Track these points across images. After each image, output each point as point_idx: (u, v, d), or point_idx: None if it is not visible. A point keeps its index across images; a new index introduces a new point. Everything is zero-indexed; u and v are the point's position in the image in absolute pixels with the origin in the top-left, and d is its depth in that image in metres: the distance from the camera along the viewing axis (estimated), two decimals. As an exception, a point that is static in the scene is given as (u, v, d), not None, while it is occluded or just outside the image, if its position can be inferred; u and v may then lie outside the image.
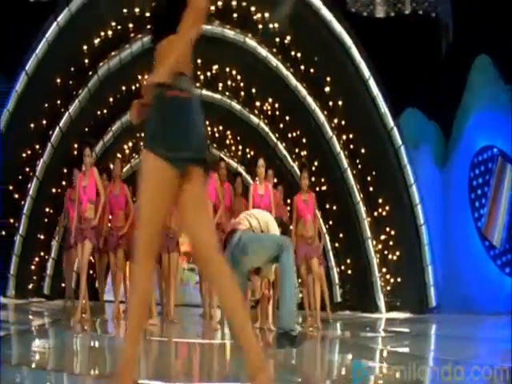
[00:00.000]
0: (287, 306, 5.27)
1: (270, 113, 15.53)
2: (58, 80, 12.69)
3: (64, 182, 13.25)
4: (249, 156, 16.87)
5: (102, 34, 13.22)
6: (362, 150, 13.70)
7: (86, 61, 13.34)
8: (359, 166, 13.85)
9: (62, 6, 12.00)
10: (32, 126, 11.85)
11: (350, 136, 13.95)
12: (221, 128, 16.81)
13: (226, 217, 9.82)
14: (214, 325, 8.51)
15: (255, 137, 15.84)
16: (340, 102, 13.86)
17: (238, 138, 16.85)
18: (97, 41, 13.24)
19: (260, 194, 8.95)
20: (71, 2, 12.02)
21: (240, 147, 17.06)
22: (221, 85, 15.60)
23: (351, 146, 13.94)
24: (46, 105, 12.63)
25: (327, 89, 13.97)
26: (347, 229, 13.69)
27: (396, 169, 12.94)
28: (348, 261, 13.97)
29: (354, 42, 13.00)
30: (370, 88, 13.08)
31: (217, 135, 17.07)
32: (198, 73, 15.47)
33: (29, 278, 12.71)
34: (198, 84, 15.60)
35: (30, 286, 12.80)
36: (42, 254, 13.18)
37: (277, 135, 15.56)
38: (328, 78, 13.88)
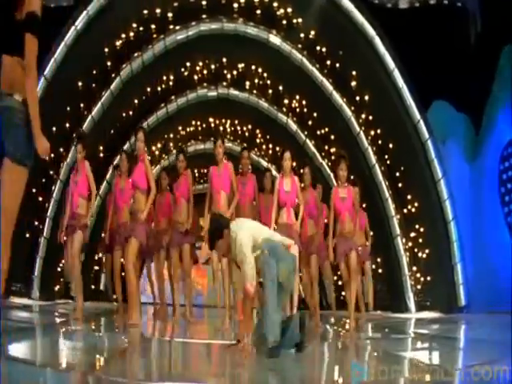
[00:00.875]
0: (271, 318, 5.04)
1: (297, 110, 15.32)
2: (80, 83, 12.75)
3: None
4: (279, 154, 16.68)
5: (123, 35, 13.23)
6: (390, 145, 13.34)
7: (108, 63, 13.38)
8: (388, 162, 13.52)
9: (80, 9, 12.02)
10: (54, 129, 11.89)
11: (378, 131, 13.62)
12: (250, 127, 16.69)
13: (250, 209, 9.04)
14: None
15: (284, 135, 15.65)
16: (367, 97, 13.55)
17: (268, 137, 16.70)
18: (118, 43, 13.26)
19: (286, 190, 8.53)
20: (89, 5, 12.01)
21: (270, 146, 16.90)
22: (248, 83, 15.47)
23: (379, 142, 13.61)
24: (68, 108, 12.70)
25: (353, 83, 13.68)
26: (376, 226, 13.32)
27: (423, 164, 12.52)
28: (378, 259, 13.64)
29: (378, 34, 12.65)
30: (395, 80, 12.71)
31: (246, 134, 16.96)
32: (225, 72, 15.42)
33: (54, 280, 12.80)
34: (224, 83, 15.57)
35: (56, 288, 12.90)
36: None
37: (306, 133, 15.35)
38: (354, 72, 13.59)
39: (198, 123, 16.76)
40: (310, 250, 9.02)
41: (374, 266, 13.70)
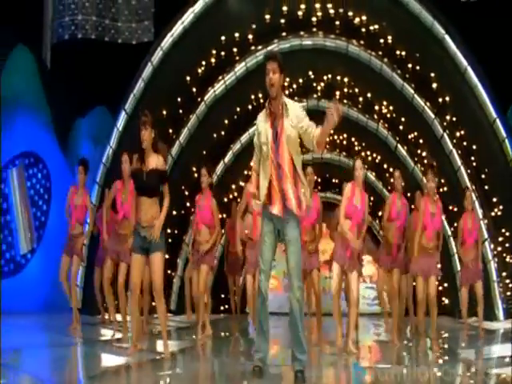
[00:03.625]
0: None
1: (387, 116, 15.24)
2: (164, 112, 13.57)
3: (188, 204, 14.10)
4: (377, 162, 16.67)
5: (204, 62, 13.90)
6: (474, 147, 12.96)
7: (194, 89, 14.10)
8: (473, 164, 13.13)
9: (154, 46, 12.87)
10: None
11: (462, 132, 13.27)
12: (345, 135, 16.79)
13: (310, 235, 8.74)
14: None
15: (375, 141, 15.66)
16: (447, 98, 13.26)
17: (363, 144, 16.72)
18: (200, 70, 13.95)
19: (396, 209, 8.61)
20: (162, 41, 12.81)
21: (368, 153, 16.89)
22: (338, 93, 15.61)
23: (464, 143, 13.26)
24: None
25: (434, 85, 13.43)
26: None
27: (503, 164, 12.05)
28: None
29: (447, 32, 12.37)
30: (469, 79, 12.37)
31: (344, 143, 17.07)
32: (314, 84, 15.66)
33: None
34: (314, 95, 15.83)
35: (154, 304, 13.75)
36: (168, 271, 14.19)
37: (397, 138, 15.24)
38: (432, 74, 13.35)
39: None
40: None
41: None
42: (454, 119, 13.28)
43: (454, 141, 13.28)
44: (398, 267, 8.88)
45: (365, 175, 7.86)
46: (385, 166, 16.48)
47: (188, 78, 13.73)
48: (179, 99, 13.86)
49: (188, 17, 12.93)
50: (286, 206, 5.24)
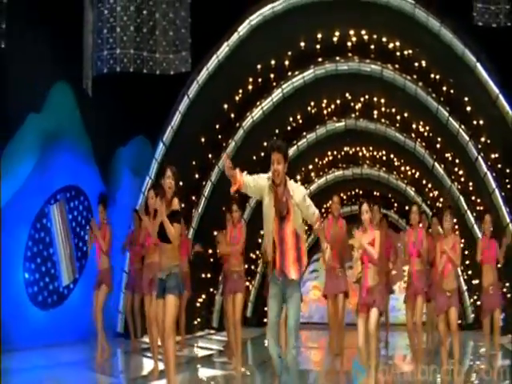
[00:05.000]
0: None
1: (424, 135, 15.42)
2: (203, 139, 14.03)
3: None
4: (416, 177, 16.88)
5: (240, 90, 14.30)
6: (507, 170, 13.04)
7: (232, 115, 14.53)
8: (508, 186, 13.20)
9: (191, 78, 13.34)
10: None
11: (497, 155, 13.36)
12: (384, 152, 17.02)
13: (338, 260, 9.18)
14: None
15: (413, 160, 15.90)
16: (481, 122, 13.35)
17: (402, 161, 16.94)
18: (238, 97, 14.36)
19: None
20: (199, 75, 13.26)
21: (407, 168, 17.12)
22: (376, 112, 15.84)
23: (499, 166, 13.33)
24: (195, 162, 14.10)
25: (468, 108, 13.52)
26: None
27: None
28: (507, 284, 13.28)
29: (478, 60, 12.47)
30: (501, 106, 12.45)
31: (384, 159, 17.33)
32: (352, 104, 15.91)
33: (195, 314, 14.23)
34: (353, 115, 16.11)
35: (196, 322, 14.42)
36: (210, 290, 14.82)
37: (434, 157, 15.41)
38: (466, 98, 13.44)
39: (335, 152, 17.49)
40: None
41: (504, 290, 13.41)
42: (489, 141, 13.36)
43: (489, 163, 13.35)
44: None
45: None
46: (423, 181, 16.69)
47: (226, 106, 14.16)
48: (217, 126, 14.34)
49: (223, 50, 13.32)
50: (286, 275, 5.60)
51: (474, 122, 13.46)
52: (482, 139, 13.47)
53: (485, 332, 9.47)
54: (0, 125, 10.21)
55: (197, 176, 14.32)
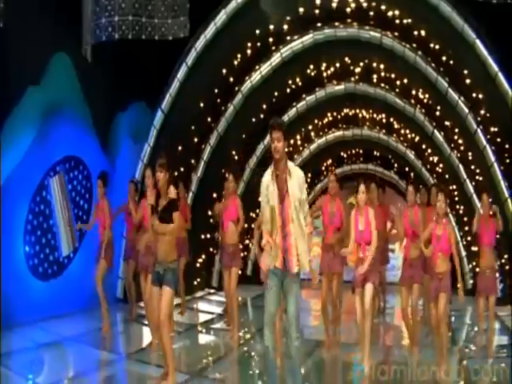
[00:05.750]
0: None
1: (423, 102, 15.31)
2: (202, 104, 13.99)
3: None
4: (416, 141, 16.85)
5: (239, 55, 14.15)
6: (506, 146, 13.01)
7: (231, 79, 14.42)
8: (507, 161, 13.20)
9: (189, 46, 13.16)
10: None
11: (496, 129, 13.30)
12: (383, 115, 16.95)
13: (336, 240, 8.99)
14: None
15: (412, 126, 15.88)
16: (480, 96, 13.23)
17: (402, 125, 16.88)
18: (236, 62, 14.21)
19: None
20: (197, 42, 13.10)
21: (407, 131, 17.06)
22: (375, 77, 15.69)
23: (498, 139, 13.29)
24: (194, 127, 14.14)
25: (468, 80, 13.38)
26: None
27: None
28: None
29: (478, 37, 12.27)
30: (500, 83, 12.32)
31: (384, 121, 17.27)
32: (351, 68, 15.74)
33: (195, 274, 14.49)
34: (352, 79, 15.98)
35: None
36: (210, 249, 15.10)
37: (433, 124, 15.35)
38: (465, 71, 13.29)
39: (335, 114, 17.42)
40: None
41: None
42: (488, 115, 13.26)
43: (488, 136, 13.29)
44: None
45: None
46: (423, 146, 16.66)
47: (224, 71, 14.05)
48: (216, 91, 14.27)
49: (221, 17, 13.12)
50: (286, 264, 5.73)
51: (474, 95, 13.32)
52: (482, 112, 13.36)
53: (479, 312, 9.34)
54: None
55: (196, 140, 14.36)
